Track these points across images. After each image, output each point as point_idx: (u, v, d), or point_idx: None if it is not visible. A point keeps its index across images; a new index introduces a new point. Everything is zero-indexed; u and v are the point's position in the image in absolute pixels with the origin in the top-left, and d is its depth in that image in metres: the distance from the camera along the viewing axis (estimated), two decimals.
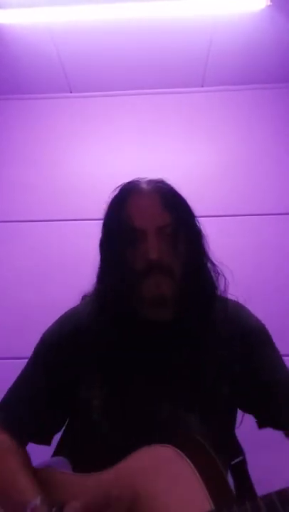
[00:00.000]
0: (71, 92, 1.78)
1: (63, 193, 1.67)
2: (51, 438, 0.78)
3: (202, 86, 1.76)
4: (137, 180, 0.79)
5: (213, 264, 0.81)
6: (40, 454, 0.79)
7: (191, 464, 0.58)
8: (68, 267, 1.58)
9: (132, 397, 0.72)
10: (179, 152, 1.71)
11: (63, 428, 0.82)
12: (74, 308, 0.85)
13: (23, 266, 1.61)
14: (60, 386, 0.76)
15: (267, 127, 1.71)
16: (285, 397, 0.73)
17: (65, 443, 0.81)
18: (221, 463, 0.61)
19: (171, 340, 0.72)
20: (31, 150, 1.73)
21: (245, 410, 0.80)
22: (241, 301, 1.56)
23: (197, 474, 0.57)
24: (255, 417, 0.78)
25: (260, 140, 1.70)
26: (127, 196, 0.75)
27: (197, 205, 1.63)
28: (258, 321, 0.85)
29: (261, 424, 0.77)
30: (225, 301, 0.82)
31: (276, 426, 0.74)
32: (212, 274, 0.80)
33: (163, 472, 0.60)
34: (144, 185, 0.77)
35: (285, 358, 1.48)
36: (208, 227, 1.62)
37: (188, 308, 0.72)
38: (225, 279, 0.83)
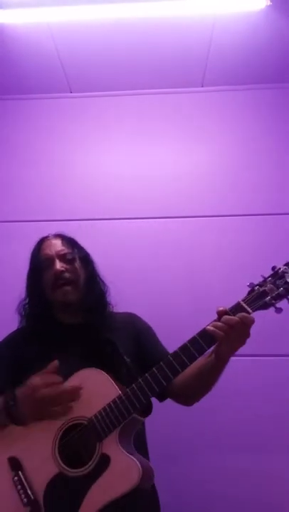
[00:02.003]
0: (71, 92, 1.78)
1: (63, 193, 1.67)
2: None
3: (202, 86, 1.76)
4: (48, 235, 1.17)
5: (102, 281, 1.16)
6: None
7: (103, 372, 0.90)
8: None
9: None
10: (179, 152, 1.71)
11: None
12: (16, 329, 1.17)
13: (22, 266, 1.61)
14: (13, 368, 1.04)
15: (266, 127, 1.71)
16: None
17: None
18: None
19: (85, 336, 1.03)
20: (31, 150, 1.73)
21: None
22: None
23: (109, 377, 0.90)
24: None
25: (260, 140, 1.70)
26: (39, 243, 1.15)
27: (197, 205, 1.65)
28: (145, 322, 1.15)
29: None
30: (119, 312, 1.16)
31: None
32: (102, 286, 1.15)
33: (84, 382, 0.91)
34: (50, 235, 1.16)
35: (284, 358, 1.49)
36: (208, 227, 1.63)
37: (91, 312, 1.07)
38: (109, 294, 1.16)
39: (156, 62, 1.63)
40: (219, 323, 0.86)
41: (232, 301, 1.74)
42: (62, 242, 1.12)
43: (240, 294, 1.63)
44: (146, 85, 1.74)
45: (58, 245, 1.11)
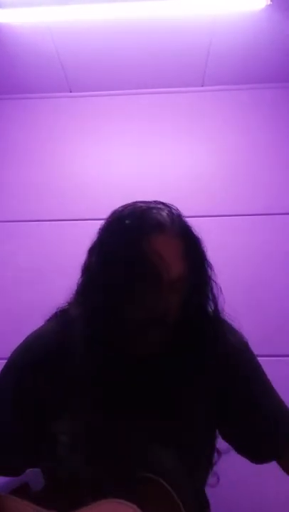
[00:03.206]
0: (71, 92, 1.78)
1: (63, 193, 1.67)
2: (21, 470, 0.70)
3: (202, 86, 1.76)
4: (159, 213, 0.68)
5: (217, 310, 0.76)
6: None
7: None
8: (68, 268, 1.58)
9: (104, 431, 0.67)
10: (179, 152, 1.71)
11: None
12: (41, 329, 0.78)
13: (22, 266, 1.61)
14: (27, 416, 0.70)
15: (267, 127, 1.71)
16: (268, 427, 0.69)
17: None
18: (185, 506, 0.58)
19: (151, 373, 0.67)
20: (31, 150, 1.73)
21: (225, 433, 0.76)
22: (241, 300, 1.57)
23: None
24: (233, 443, 0.75)
25: (260, 140, 1.70)
26: (148, 233, 0.63)
27: (197, 205, 1.64)
28: (240, 339, 0.81)
29: (239, 451, 0.75)
30: (227, 329, 0.79)
31: (253, 456, 0.72)
32: (210, 324, 0.74)
33: None
34: (168, 224, 0.66)
35: (285, 359, 1.49)
36: (209, 227, 1.62)
37: (178, 347, 0.67)
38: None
39: (156, 61, 1.62)
40: None
41: (232, 301, 1.73)
42: (182, 254, 0.65)
43: (240, 295, 1.64)
44: (146, 85, 1.73)
45: (175, 260, 0.64)
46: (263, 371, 0.78)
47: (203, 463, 0.73)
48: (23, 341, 0.77)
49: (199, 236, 0.73)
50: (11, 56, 1.58)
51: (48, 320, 0.78)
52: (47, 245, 1.62)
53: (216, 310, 0.76)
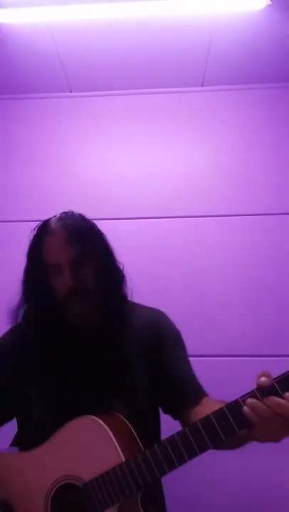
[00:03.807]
0: (71, 92, 1.78)
1: (64, 193, 1.67)
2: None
3: (202, 85, 1.76)
4: (48, 220, 0.93)
5: (119, 272, 0.96)
6: None
7: (107, 428, 0.75)
8: None
9: (66, 391, 0.87)
10: (179, 152, 1.71)
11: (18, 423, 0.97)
12: (11, 327, 0.99)
13: (22, 266, 1.60)
14: (6, 385, 0.93)
15: (267, 127, 1.71)
16: (177, 389, 0.90)
17: (18, 435, 0.97)
18: (134, 430, 0.78)
19: (97, 342, 0.89)
20: (31, 150, 1.73)
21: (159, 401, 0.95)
22: (241, 301, 1.57)
23: (111, 435, 0.74)
24: (161, 406, 0.94)
25: (260, 139, 1.70)
26: (41, 237, 0.91)
27: (197, 205, 1.65)
28: (173, 326, 0.98)
29: (165, 411, 0.94)
30: (143, 308, 0.99)
31: (169, 411, 0.92)
32: (123, 287, 0.95)
33: (84, 438, 0.77)
34: (53, 224, 0.91)
35: (284, 359, 1.49)
36: (209, 227, 1.63)
37: (109, 316, 0.89)
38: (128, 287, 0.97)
39: (156, 61, 1.62)
40: (260, 406, 0.62)
41: (231, 301, 1.74)
42: (70, 237, 0.87)
43: (240, 295, 1.64)
44: (146, 85, 1.73)
45: (65, 244, 0.87)
46: (184, 350, 0.96)
47: (146, 420, 0.90)
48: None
49: (90, 225, 0.96)
50: (12, 56, 1.58)
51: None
52: None
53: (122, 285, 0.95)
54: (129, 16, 1.42)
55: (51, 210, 1.64)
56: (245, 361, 1.49)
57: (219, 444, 0.65)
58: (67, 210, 0.98)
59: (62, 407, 0.84)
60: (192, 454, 0.67)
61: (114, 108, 1.75)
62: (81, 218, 0.96)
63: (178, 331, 0.98)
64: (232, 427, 0.64)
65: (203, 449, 0.66)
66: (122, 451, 0.73)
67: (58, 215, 0.95)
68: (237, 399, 0.66)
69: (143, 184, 1.67)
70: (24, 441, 0.92)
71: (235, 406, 0.65)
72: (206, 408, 0.79)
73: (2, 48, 1.54)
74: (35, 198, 1.68)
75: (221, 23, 1.45)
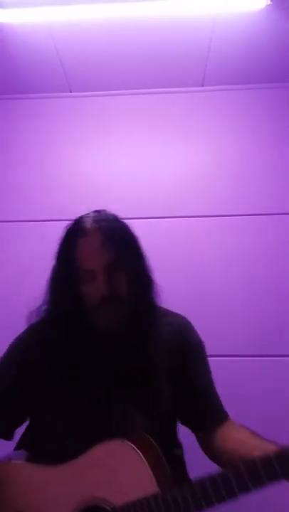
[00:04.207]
0: (71, 92, 1.78)
1: (63, 193, 1.67)
2: (12, 433, 0.92)
3: (202, 85, 1.76)
4: (82, 220, 0.90)
5: (153, 281, 0.93)
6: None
7: (140, 454, 0.73)
8: None
9: (86, 398, 0.83)
10: (179, 151, 1.71)
11: (25, 425, 0.94)
12: (37, 322, 0.96)
13: (22, 266, 1.61)
14: (22, 386, 0.89)
15: (267, 126, 1.71)
16: (201, 405, 0.90)
17: (25, 439, 0.93)
18: (162, 453, 0.76)
19: (122, 346, 0.86)
20: (31, 149, 1.73)
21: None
22: (241, 301, 1.56)
23: (145, 462, 0.72)
24: (179, 417, 0.94)
25: (260, 139, 1.70)
26: (74, 239, 0.87)
27: (197, 205, 1.64)
28: (198, 337, 0.97)
29: (183, 423, 0.94)
30: (172, 315, 0.97)
31: (188, 424, 0.92)
32: (154, 294, 0.92)
33: (116, 462, 0.75)
34: (88, 225, 0.87)
35: (284, 359, 1.49)
36: (209, 227, 1.63)
37: (137, 321, 0.86)
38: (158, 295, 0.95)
39: (157, 61, 1.62)
40: None
41: (232, 301, 1.74)
42: (103, 243, 0.83)
43: (240, 295, 1.64)
44: (146, 85, 1.73)
45: (101, 250, 0.83)
46: (203, 351, 0.95)
47: (169, 421, 0.91)
48: (21, 333, 0.98)
49: (124, 228, 0.92)
50: (12, 56, 1.58)
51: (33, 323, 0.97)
52: (47, 245, 1.61)
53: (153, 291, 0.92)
54: (129, 16, 1.42)
55: (52, 210, 1.65)
56: (245, 361, 1.49)
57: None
58: (99, 209, 0.94)
59: (79, 412, 0.82)
60: (232, 495, 0.66)
61: (115, 108, 1.75)
62: (115, 219, 0.92)
63: (203, 342, 0.96)
64: (276, 476, 0.64)
65: (242, 491, 0.66)
66: (156, 480, 0.71)
67: (92, 215, 0.91)
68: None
69: (143, 184, 1.67)
70: (34, 447, 0.89)
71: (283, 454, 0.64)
72: (231, 434, 0.84)
73: (2, 47, 1.54)
74: (35, 198, 1.68)
75: (220, 22, 1.45)
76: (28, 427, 0.94)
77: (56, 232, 1.56)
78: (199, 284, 1.57)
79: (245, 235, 1.60)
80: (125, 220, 1.67)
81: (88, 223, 0.87)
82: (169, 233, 1.62)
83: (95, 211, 0.93)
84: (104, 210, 0.94)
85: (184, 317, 0.99)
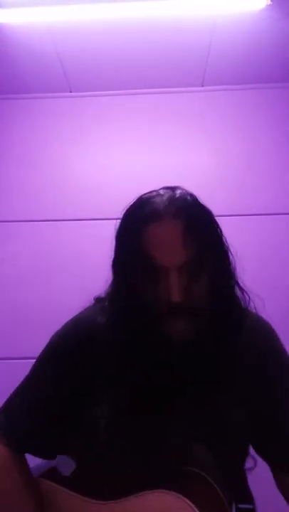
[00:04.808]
0: (71, 92, 1.78)
1: (63, 193, 1.67)
2: (54, 453, 0.73)
3: (202, 85, 1.76)
4: (156, 200, 0.68)
5: (241, 289, 0.76)
6: None
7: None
8: (68, 267, 1.58)
9: (141, 420, 0.67)
10: (179, 152, 1.71)
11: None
12: (87, 312, 0.77)
13: (22, 266, 1.61)
14: (67, 396, 0.71)
15: (267, 127, 1.71)
16: (283, 431, 0.71)
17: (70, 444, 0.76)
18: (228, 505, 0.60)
19: (189, 362, 0.66)
20: (31, 150, 1.73)
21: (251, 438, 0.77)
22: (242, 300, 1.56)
23: None
24: (255, 445, 0.76)
25: (260, 140, 1.70)
26: (145, 223, 0.65)
27: None
28: (282, 348, 0.79)
29: (256, 450, 0.76)
30: (255, 319, 0.78)
31: (266, 456, 0.74)
32: (239, 300, 0.75)
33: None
34: (165, 208, 0.65)
35: None
36: None
37: (212, 333, 0.67)
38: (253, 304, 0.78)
39: (156, 61, 1.62)
40: None
41: None
42: (183, 236, 0.63)
43: (240, 295, 1.62)
44: (146, 85, 1.73)
45: (178, 244, 0.63)
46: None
47: (237, 458, 0.73)
48: (68, 322, 0.77)
49: (208, 214, 0.72)
50: (11, 56, 1.58)
51: (86, 308, 0.78)
52: (47, 245, 1.62)
53: (237, 293, 0.75)
54: (129, 17, 1.42)
55: (51, 210, 1.65)
56: None
57: None
58: (173, 186, 0.74)
59: (138, 436, 0.67)
60: None
61: (114, 108, 1.75)
62: (196, 202, 0.71)
63: (286, 355, 0.77)
64: None
65: None
66: None
67: (165, 193, 0.70)
68: None
69: (143, 184, 1.66)
70: (79, 459, 0.72)
71: None
72: None
73: (2, 48, 1.54)
74: (34, 198, 1.68)
75: (221, 22, 1.45)
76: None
77: (56, 232, 1.58)
78: None
79: (246, 235, 1.60)
80: None
81: (162, 205, 0.66)
82: None
83: (168, 188, 0.72)
84: (180, 188, 0.74)
85: (267, 323, 0.81)
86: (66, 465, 0.72)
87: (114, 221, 1.78)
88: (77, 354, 0.71)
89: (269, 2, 1.35)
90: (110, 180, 1.68)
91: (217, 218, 0.79)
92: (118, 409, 0.68)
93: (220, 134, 1.71)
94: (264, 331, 0.78)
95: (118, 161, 1.70)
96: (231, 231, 1.60)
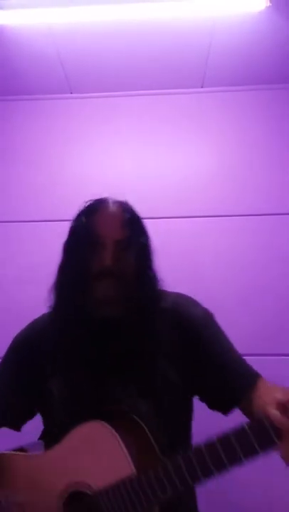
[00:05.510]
0: (71, 93, 1.79)
1: (63, 193, 1.67)
2: (20, 425, 0.94)
3: (202, 87, 1.76)
4: (103, 198, 0.92)
5: (156, 276, 0.92)
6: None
7: (116, 435, 0.70)
8: None
9: (87, 386, 0.83)
10: (179, 153, 1.71)
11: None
12: (42, 315, 0.98)
13: (22, 266, 1.61)
14: (27, 379, 0.90)
15: (267, 128, 1.71)
16: (229, 380, 0.83)
17: (44, 431, 0.94)
18: (154, 437, 0.73)
19: (120, 334, 0.82)
20: (31, 150, 1.74)
21: (200, 395, 0.88)
22: (241, 300, 1.57)
23: (121, 443, 0.69)
24: (207, 400, 0.87)
25: (260, 140, 1.70)
26: (96, 208, 0.89)
27: (197, 205, 1.65)
28: (202, 309, 0.94)
29: (211, 407, 0.87)
30: (168, 294, 0.94)
31: (221, 408, 0.85)
32: (155, 280, 0.91)
33: (93, 444, 0.74)
34: (111, 203, 0.90)
35: (284, 358, 1.49)
36: (209, 227, 1.63)
37: (133, 306, 0.83)
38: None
39: (157, 63, 1.63)
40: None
41: (232, 301, 1.74)
42: (123, 220, 0.86)
43: (240, 295, 1.63)
44: (146, 86, 1.74)
45: (117, 223, 0.85)
46: (222, 332, 0.91)
47: (175, 412, 0.85)
48: (25, 326, 0.99)
49: (138, 214, 0.93)
50: (12, 58, 1.59)
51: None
52: (47, 245, 1.62)
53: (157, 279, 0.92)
54: (129, 18, 1.43)
55: (51, 211, 1.66)
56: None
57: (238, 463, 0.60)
58: (119, 200, 0.94)
59: (83, 401, 0.81)
60: (209, 474, 0.61)
61: (115, 109, 1.76)
62: (132, 208, 0.94)
63: (210, 313, 0.93)
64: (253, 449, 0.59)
65: (221, 468, 0.61)
66: (132, 461, 0.68)
67: (112, 200, 0.92)
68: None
69: (143, 185, 1.68)
70: (46, 438, 0.90)
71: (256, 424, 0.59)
72: (263, 396, 0.75)
73: (3, 49, 1.55)
74: (34, 198, 1.68)
75: (220, 24, 1.46)
76: (42, 421, 0.94)
77: (56, 232, 1.56)
78: (200, 284, 1.57)
79: (246, 235, 1.61)
80: None
81: (110, 202, 0.90)
82: (169, 234, 1.62)
83: (112, 198, 0.94)
84: (126, 201, 0.95)
85: (184, 294, 0.97)
86: (37, 448, 0.88)
87: None
88: (31, 346, 0.92)
89: (268, 3, 1.36)
90: (110, 181, 1.68)
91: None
92: (69, 380, 0.84)
93: (220, 135, 1.71)
94: (180, 299, 0.94)
95: (118, 161, 1.71)
96: (231, 231, 1.62)
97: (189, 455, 0.63)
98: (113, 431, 0.71)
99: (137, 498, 0.66)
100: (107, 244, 0.83)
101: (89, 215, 0.88)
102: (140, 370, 0.82)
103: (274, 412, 0.58)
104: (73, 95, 1.79)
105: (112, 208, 0.89)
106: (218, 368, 0.83)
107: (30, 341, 0.93)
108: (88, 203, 0.92)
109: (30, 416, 0.95)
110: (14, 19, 1.42)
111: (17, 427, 0.93)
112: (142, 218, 0.94)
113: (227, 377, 0.82)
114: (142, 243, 0.90)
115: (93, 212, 0.88)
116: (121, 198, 0.94)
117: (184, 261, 1.59)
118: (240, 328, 1.53)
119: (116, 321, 0.82)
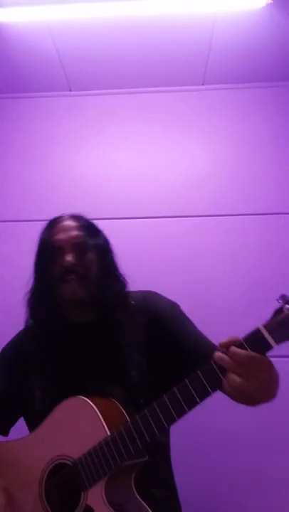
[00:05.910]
0: (70, 91, 1.78)
1: (62, 192, 1.67)
2: (8, 429, 1.00)
3: (203, 84, 1.75)
4: (61, 216, 1.02)
5: (120, 274, 0.99)
6: None
7: (92, 404, 0.78)
8: None
9: (64, 381, 0.89)
10: (179, 150, 1.70)
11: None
12: (23, 328, 1.06)
13: (21, 266, 1.60)
14: (11, 387, 0.97)
15: (267, 125, 1.71)
16: (193, 358, 0.86)
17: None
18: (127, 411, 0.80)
19: (93, 336, 0.92)
20: (31, 149, 1.73)
21: (173, 379, 0.90)
22: (241, 300, 1.56)
23: (96, 411, 0.77)
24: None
25: (261, 138, 1.69)
26: (54, 222, 1.00)
27: (197, 204, 1.64)
28: (168, 301, 1.00)
29: None
30: (136, 292, 1.00)
31: None
32: (120, 279, 0.98)
33: (72, 417, 0.80)
34: (66, 216, 1.01)
35: (284, 359, 1.48)
36: (208, 227, 1.63)
37: (101, 307, 0.92)
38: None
39: (157, 60, 1.62)
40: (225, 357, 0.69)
41: (233, 301, 1.74)
42: (77, 226, 0.95)
43: (242, 294, 1.63)
44: (146, 83, 1.73)
45: (71, 230, 0.95)
46: (187, 319, 0.97)
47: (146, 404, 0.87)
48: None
49: (93, 223, 1.03)
50: (11, 55, 1.58)
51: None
52: None
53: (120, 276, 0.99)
54: (129, 15, 1.42)
55: (51, 210, 1.64)
56: None
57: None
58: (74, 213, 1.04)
59: (63, 396, 0.86)
60: (171, 421, 0.70)
61: (114, 107, 1.75)
62: (86, 217, 1.03)
63: (175, 304, 0.99)
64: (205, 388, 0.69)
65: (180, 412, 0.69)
66: (108, 426, 0.75)
67: (68, 214, 1.02)
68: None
69: (143, 184, 1.67)
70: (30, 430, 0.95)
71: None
72: None
73: (2, 46, 1.54)
74: (34, 198, 1.67)
75: (221, 21, 1.45)
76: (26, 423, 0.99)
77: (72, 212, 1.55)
78: (201, 284, 1.57)
79: (246, 235, 1.60)
80: (124, 220, 1.68)
81: (64, 215, 1.01)
82: (170, 233, 1.61)
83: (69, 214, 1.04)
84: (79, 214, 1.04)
85: (149, 290, 1.02)
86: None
87: (114, 221, 1.79)
88: (13, 356, 0.99)
89: (269, 1, 1.35)
90: (110, 179, 1.68)
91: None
92: (48, 378, 0.91)
93: (220, 132, 1.71)
94: (145, 295, 0.99)
95: (118, 159, 1.70)
96: (231, 231, 1.61)
97: (154, 405, 0.71)
98: (90, 402, 0.79)
99: (111, 457, 0.73)
100: (65, 248, 0.92)
101: (48, 229, 0.99)
102: (113, 362, 0.90)
103: (217, 353, 0.69)
104: (72, 92, 1.78)
105: (66, 218, 0.99)
106: (186, 350, 0.90)
107: (12, 353, 1.01)
108: (49, 222, 1.02)
109: (16, 419, 1.00)
110: (13, 16, 1.41)
111: (5, 432, 0.99)
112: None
113: (195, 356, 0.87)
114: (99, 245, 0.98)
115: (51, 225, 0.99)
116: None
117: (184, 261, 1.59)
118: (241, 328, 1.53)
119: (87, 325, 0.93)
